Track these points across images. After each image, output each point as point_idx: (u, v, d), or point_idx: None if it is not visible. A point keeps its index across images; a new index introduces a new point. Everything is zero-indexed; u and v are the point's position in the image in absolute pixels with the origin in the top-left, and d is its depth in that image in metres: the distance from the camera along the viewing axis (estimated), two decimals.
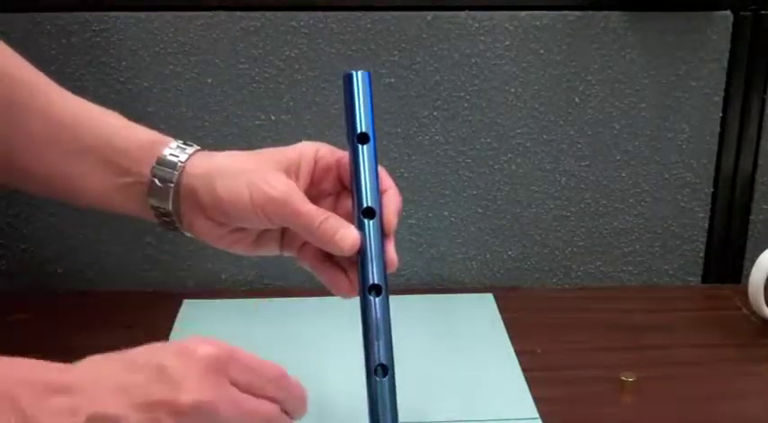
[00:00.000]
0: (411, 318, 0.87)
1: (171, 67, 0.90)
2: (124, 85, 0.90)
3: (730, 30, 0.91)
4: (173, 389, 0.49)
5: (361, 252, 0.60)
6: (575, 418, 0.72)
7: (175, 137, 0.65)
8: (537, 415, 0.71)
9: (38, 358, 0.50)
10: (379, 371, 0.59)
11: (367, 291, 0.60)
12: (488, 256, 0.97)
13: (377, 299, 0.60)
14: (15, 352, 0.50)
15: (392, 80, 0.91)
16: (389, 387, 0.59)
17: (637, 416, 0.73)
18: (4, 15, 0.87)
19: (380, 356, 0.59)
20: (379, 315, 0.60)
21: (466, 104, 0.92)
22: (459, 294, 0.92)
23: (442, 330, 0.85)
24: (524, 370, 0.77)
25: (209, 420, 0.50)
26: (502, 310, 0.88)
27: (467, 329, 0.85)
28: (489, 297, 0.91)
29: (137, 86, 0.90)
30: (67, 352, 0.52)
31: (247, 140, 0.92)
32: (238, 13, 0.89)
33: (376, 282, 0.60)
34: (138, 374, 0.50)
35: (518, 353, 0.80)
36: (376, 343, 0.59)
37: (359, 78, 0.62)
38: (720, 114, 0.94)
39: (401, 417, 0.71)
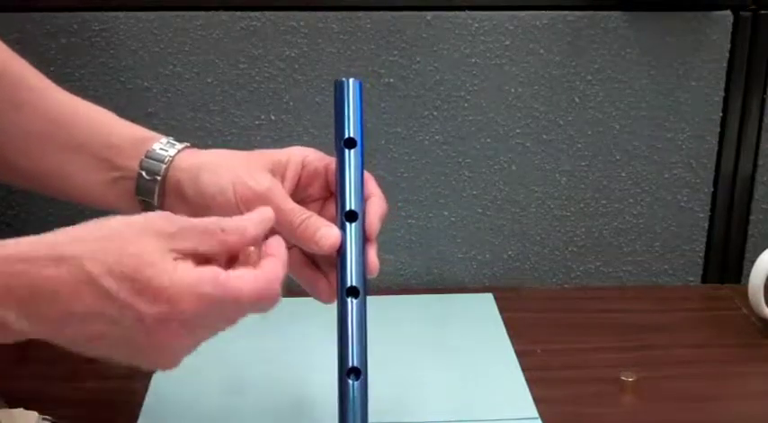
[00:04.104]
0: (411, 318, 0.87)
1: (171, 67, 0.90)
2: (124, 85, 0.90)
3: (730, 30, 0.91)
4: (149, 337, 0.50)
5: (341, 254, 0.60)
6: (575, 418, 0.72)
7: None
8: (537, 415, 0.71)
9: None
10: (352, 374, 0.59)
11: (344, 293, 0.60)
12: (488, 256, 0.97)
13: (354, 301, 0.59)
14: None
15: (392, 80, 0.91)
16: (361, 391, 0.59)
17: (637, 416, 0.73)
18: (3, 15, 0.87)
19: (354, 359, 0.59)
20: (355, 318, 0.59)
21: (466, 104, 0.92)
22: (459, 294, 0.92)
23: (442, 330, 0.85)
24: (524, 370, 0.77)
25: (191, 348, 0.53)
26: (502, 310, 0.88)
27: (467, 329, 0.85)
28: (489, 297, 0.91)
29: (137, 86, 0.90)
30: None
31: (247, 140, 0.92)
32: (238, 13, 0.89)
33: (354, 284, 0.60)
34: (111, 309, 0.49)
35: (518, 353, 0.80)
36: (350, 346, 0.59)
37: (350, 86, 0.62)
38: (720, 114, 0.94)
39: (401, 416, 0.71)
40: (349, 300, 0.60)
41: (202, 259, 0.52)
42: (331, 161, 0.63)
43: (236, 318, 0.53)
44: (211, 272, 0.51)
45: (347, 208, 0.61)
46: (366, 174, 0.63)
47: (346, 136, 0.62)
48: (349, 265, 0.60)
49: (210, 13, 0.88)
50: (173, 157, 0.63)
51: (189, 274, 0.50)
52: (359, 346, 0.59)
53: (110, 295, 0.49)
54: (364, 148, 0.62)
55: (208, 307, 0.50)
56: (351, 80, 0.62)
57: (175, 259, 0.50)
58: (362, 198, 0.62)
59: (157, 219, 0.52)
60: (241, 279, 0.51)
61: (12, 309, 0.49)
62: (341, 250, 0.60)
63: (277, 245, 0.55)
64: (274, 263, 0.54)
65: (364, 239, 0.61)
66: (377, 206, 0.62)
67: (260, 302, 0.52)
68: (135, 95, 0.90)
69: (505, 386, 0.75)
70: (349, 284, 0.60)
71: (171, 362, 0.53)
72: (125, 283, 0.49)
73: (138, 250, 0.50)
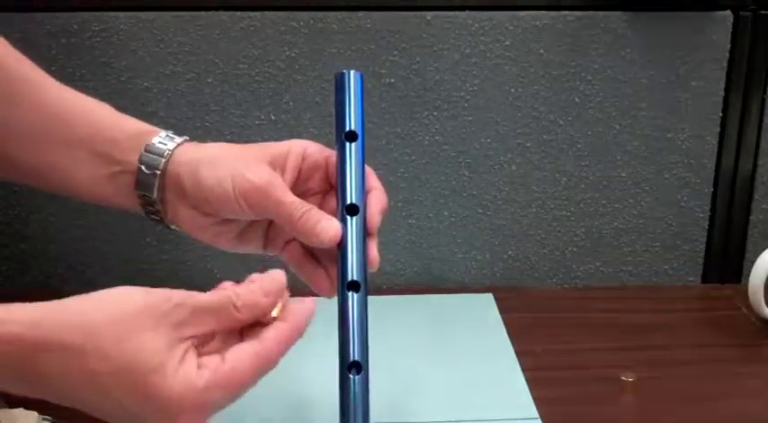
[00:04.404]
0: (411, 318, 0.87)
1: (171, 67, 0.90)
2: (124, 85, 0.90)
3: (730, 30, 0.91)
4: None
5: (342, 248, 0.60)
6: (575, 418, 0.72)
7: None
8: (537, 415, 0.71)
9: None
10: (353, 368, 0.59)
11: (345, 287, 0.59)
12: (488, 256, 0.97)
13: (355, 295, 0.59)
14: None
15: (392, 80, 0.91)
16: (362, 385, 0.59)
17: (637, 416, 0.73)
18: (3, 15, 0.87)
19: (355, 354, 0.59)
20: (356, 312, 0.59)
21: (466, 104, 0.92)
22: (459, 294, 0.92)
23: (443, 330, 0.85)
24: (524, 370, 0.77)
25: None
26: (502, 310, 0.88)
27: (467, 329, 0.85)
28: (489, 297, 0.91)
29: (137, 86, 0.90)
30: None
31: (247, 140, 0.91)
32: (238, 13, 0.89)
33: (355, 278, 0.59)
34: (111, 406, 0.49)
35: (518, 353, 0.80)
36: (351, 340, 0.59)
37: (351, 78, 0.62)
38: (720, 114, 0.94)
39: (401, 416, 0.71)
40: (350, 294, 0.59)
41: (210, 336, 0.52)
42: (331, 154, 0.63)
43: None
44: (211, 373, 0.50)
45: (348, 201, 0.60)
46: (367, 167, 0.62)
47: (347, 129, 0.61)
48: (350, 258, 0.60)
49: (210, 13, 0.88)
50: (172, 150, 0.63)
51: (190, 382, 0.49)
52: (360, 340, 0.59)
53: (110, 394, 0.49)
54: (365, 142, 0.62)
55: (210, 406, 0.51)
56: (351, 72, 0.62)
57: (182, 359, 0.50)
58: (363, 191, 0.61)
59: (163, 303, 0.51)
60: (241, 367, 0.51)
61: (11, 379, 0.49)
62: (341, 244, 0.60)
63: (297, 314, 0.55)
64: (279, 334, 0.53)
65: (365, 233, 0.61)
66: (378, 200, 0.62)
67: (260, 377, 0.53)
68: (135, 95, 0.90)
69: (505, 386, 0.75)
70: (350, 278, 0.59)
71: None
72: (126, 385, 0.49)
73: (144, 346, 0.49)
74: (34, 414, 0.62)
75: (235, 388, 0.51)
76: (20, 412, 0.62)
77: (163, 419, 0.49)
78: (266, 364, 0.53)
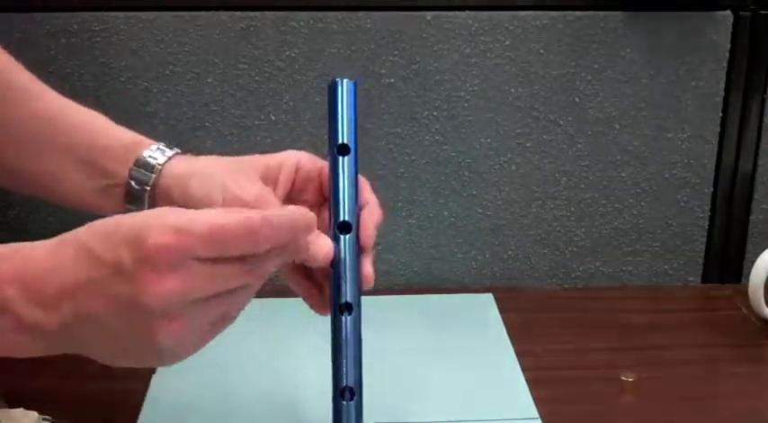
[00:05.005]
0: (411, 318, 0.87)
1: (171, 67, 0.90)
2: (124, 85, 0.90)
3: (730, 30, 0.91)
4: (130, 285, 0.47)
5: (335, 268, 0.58)
6: (575, 418, 0.72)
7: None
8: (537, 415, 0.71)
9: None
10: (346, 393, 0.57)
11: (338, 309, 0.57)
12: (488, 256, 0.97)
13: (348, 317, 0.57)
14: None
15: (392, 80, 0.91)
16: (356, 411, 0.57)
17: (637, 416, 0.73)
18: (3, 15, 0.87)
19: (348, 378, 0.57)
20: (349, 334, 0.57)
21: (466, 104, 0.92)
22: (459, 294, 0.92)
23: (442, 330, 0.85)
24: (524, 370, 0.77)
25: (175, 310, 0.48)
26: (502, 310, 0.88)
27: (467, 329, 0.85)
28: (489, 297, 0.91)
29: (137, 86, 0.90)
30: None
31: (247, 140, 0.92)
32: (238, 13, 0.89)
33: (348, 300, 0.57)
34: (96, 270, 0.48)
35: (518, 353, 0.80)
36: (344, 364, 0.57)
37: (344, 87, 0.59)
38: (720, 114, 0.94)
39: (401, 416, 0.71)
40: (343, 316, 0.57)
41: None
42: (324, 165, 0.62)
43: (232, 274, 0.49)
44: (190, 217, 0.48)
45: (340, 219, 0.58)
46: (361, 179, 0.60)
47: (339, 142, 0.59)
48: (343, 279, 0.58)
49: (210, 13, 0.88)
50: (162, 165, 0.63)
51: (165, 219, 0.48)
52: (353, 364, 0.57)
53: (94, 254, 0.48)
54: (359, 153, 0.59)
55: (187, 262, 0.47)
56: (344, 81, 0.60)
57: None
58: (357, 207, 0.59)
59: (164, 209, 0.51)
60: (220, 220, 0.48)
61: (14, 288, 0.49)
62: (334, 263, 0.58)
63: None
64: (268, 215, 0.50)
65: (359, 251, 0.59)
66: (372, 214, 0.60)
67: (242, 242, 0.48)
68: (135, 95, 0.90)
69: (505, 386, 0.75)
70: (343, 300, 0.57)
71: (172, 346, 0.49)
72: (108, 240, 0.48)
73: (137, 222, 0.48)
74: (34, 414, 0.62)
75: (216, 238, 0.47)
76: (20, 412, 0.62)
77: (146, 275, 0.47)
78: (250, 231, 0.48)
